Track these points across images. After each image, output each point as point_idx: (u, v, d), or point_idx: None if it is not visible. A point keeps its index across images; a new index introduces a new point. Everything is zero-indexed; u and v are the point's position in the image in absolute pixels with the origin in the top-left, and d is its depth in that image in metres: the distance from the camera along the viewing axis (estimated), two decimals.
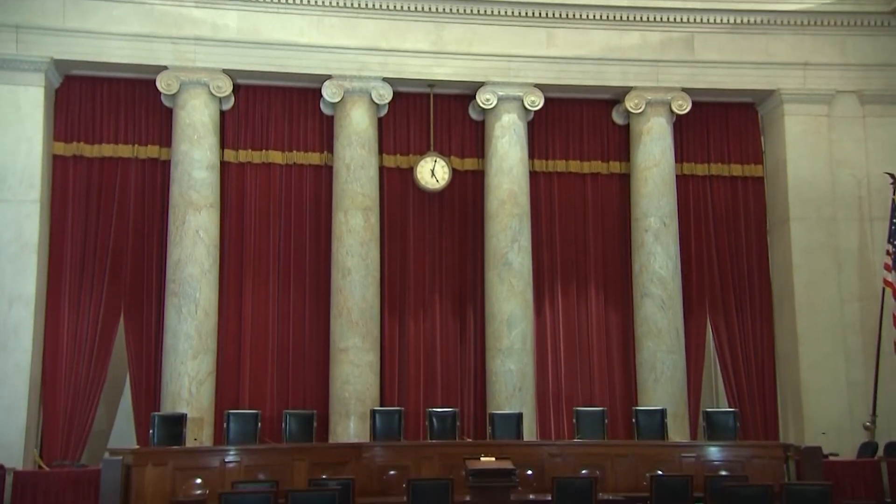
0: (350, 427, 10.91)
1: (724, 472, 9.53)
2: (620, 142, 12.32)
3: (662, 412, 10.67)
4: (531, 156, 12.02)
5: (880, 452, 10.61)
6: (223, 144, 11.56)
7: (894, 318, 11.26)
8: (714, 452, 9.97)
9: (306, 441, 10.01)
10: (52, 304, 10.98)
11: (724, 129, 12.52)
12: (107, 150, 11.41)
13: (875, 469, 9.93)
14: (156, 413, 10.22)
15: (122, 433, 11.20)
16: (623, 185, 12.25)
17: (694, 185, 12.42)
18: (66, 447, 10.63)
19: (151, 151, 11.51)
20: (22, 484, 8.94)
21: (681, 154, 12.29)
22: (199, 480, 8.98)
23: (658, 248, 11.72)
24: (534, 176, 12.05)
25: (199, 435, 10.44)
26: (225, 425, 9.98)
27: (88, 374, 10.88)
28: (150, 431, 9.78)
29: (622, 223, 12.21)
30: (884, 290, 11.42)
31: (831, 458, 10.15)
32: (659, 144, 11.94)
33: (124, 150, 11.45)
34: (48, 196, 11.12)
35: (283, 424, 10.18)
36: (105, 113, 11.46)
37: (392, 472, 9.50)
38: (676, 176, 12.09)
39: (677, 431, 11.09)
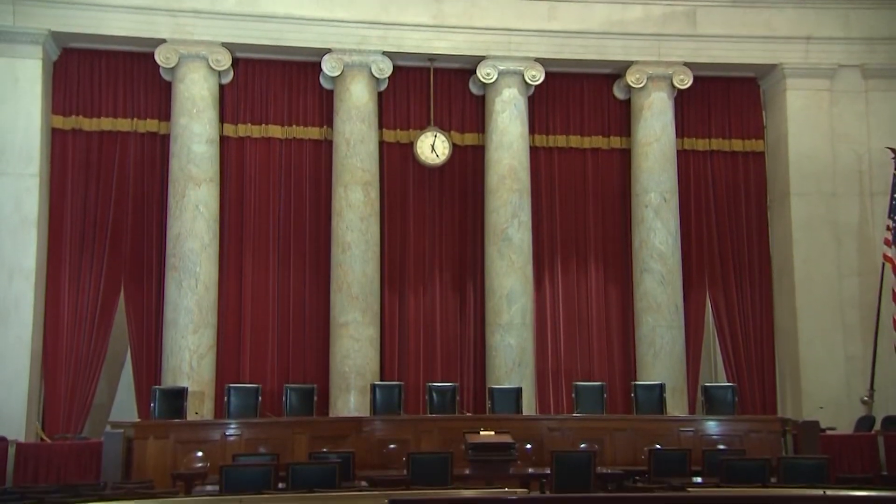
0: (350, 401, 10.95)
1: (721, 446, 9.59)
2: (621, 117, 12.27)
3: (661, 387, 10.71)
4: (531, 131, 11.98)
5: (877, 426, 10.65)
6: (222, 118, 11.51)
7: (894, 293, 11.28)
8: (712, 426, 10.02)
9: (307, 415, 10.06)
10: (52, 278, 10.99)
11: (726, 103, 12.47)
12: (106, 123, 11.37)
13: (872, 443, 9.97)
14: (157, 387, 10.27)
15: (124, 406, 11.24)
16: (623, 160, 12.21)
17: (695, 161, 12.38)
18: (68, 420, 10.69)
19: (150, 125, 11.47)
20: (24, 456, 9.02)
21: (682, 129, 12.25)
22: (200, 453, 9.06)
23: (658, 223, 11.71)
24: (534, 151, 12.00)
25: (199, 408, 10.49)
26: (226, 399, 10.02)
27: (89, 348, 10.92)
28: (151, 405, 9.84)
29: (622, 198, 12.18)
30: (883, 265, 11.43)
31: (829, 432, 10.19)
32: (660, 119, 11.89)
33: (123, 124, 11.41)
34: (47, 170, 11.09)
35: (284, 398, 10.23)
36: (104, 86, 11.40)
37: (392, 446, 9.54)
38: (677, 151, 12.05)
39: (676, 406, 11.13)
